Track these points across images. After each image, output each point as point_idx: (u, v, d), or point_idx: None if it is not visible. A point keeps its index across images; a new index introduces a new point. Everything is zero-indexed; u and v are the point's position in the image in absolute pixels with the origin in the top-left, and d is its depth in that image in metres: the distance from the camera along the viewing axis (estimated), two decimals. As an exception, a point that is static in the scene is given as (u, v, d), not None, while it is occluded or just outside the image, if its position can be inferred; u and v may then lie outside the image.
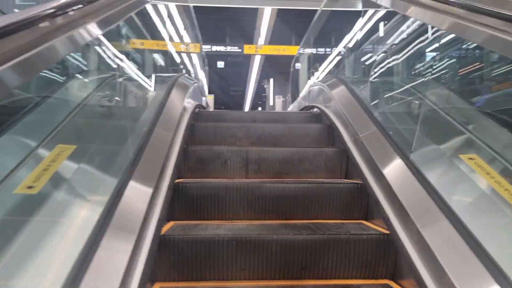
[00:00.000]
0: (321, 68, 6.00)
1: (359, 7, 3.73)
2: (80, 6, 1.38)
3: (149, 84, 3.36)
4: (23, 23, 0.96)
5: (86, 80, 2.17)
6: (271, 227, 1.81)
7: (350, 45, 4.31)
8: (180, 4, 4.98)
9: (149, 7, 3.56)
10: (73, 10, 1.29)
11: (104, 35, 1.69)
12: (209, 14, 12.29)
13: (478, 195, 1.60)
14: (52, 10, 1.11)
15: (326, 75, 4.30)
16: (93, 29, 1.44)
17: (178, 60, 5.43)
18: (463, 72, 2.36)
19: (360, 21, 3.28)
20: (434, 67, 2.32)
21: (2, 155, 1.35)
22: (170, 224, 1.87)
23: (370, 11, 2.98)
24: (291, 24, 12.52)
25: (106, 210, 1.33)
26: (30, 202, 1.23)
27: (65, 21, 1.26)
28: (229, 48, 11.62)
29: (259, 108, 25.14)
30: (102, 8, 1.59)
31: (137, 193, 1.55)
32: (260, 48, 11.80)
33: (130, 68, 2.79)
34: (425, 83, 2.39)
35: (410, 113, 2.25)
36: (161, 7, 4.13)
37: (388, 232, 1.65)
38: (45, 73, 1.75)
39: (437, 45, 2.21)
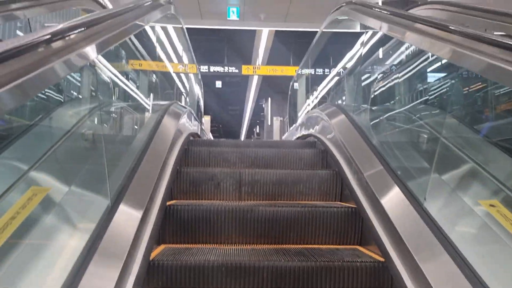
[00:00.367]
0: (320, 93, 6.01)
1: (357, 29, 3.78)
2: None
3: (135, 116, 3.27)
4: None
5: (70, 111, 2.16)
6: (263, 253, 1.79)
7: (350, 70, 4.34)
8: (177, 26, 5.01)
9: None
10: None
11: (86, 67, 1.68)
12: (207, 35, 12.52)
13: (481, 230, 1.53)
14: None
15: (325, 103, 4.28)
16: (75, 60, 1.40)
17: (170, 89, 5.33)
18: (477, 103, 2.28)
19: (361, 44, 3.29)
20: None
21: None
22: (161, 247, 1.85)
23: (374, 34, 2.96)
24: (289, 45, 12.75)
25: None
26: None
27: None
28: (227, 69, 11.77)
29: (257, 127, 25.27)
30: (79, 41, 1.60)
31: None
32: (258, 68, 11.97)
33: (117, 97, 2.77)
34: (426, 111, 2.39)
35: (418, 146, 2.11)
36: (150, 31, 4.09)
37: (383, 259, 1.62)
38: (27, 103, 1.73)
39: (454, 71, 2.04)
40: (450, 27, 1.58)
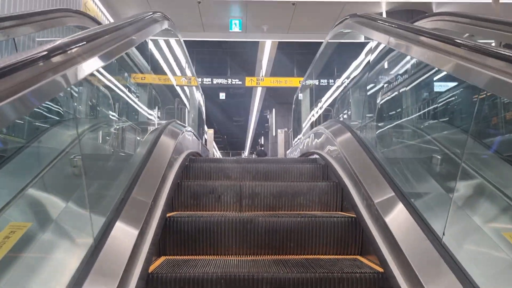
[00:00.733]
0: (324, 106, 5.82)
1: (361, 39, 3.64)
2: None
3: (129, 137, 3.12)
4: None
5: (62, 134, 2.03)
6: (263, 264, 1.79)
7: (356, 84, 4.18)
8: (175, 40, 4.88)
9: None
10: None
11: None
12: (210, 48, 12.50)
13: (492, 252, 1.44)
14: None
15: (330, 120, 4.10)
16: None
17: (166, 107, 5.16)
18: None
19: (367, 55, 3.13)
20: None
21: None
22: (161, 259, 1.86)
23: (381, 46, 2.79)
24: (292, 56, 12.67)
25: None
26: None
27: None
28: (230, 81, 11.69)
29: (262, 138, 25.11)
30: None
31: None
32: (261, 80, 11.87)
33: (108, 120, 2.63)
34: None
35: (436, 170, 1.95)
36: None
37: (382, 270, 1.61)
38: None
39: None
40: (462, 41, 1.43)
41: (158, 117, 4.04)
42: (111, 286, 1.20)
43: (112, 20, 8.23)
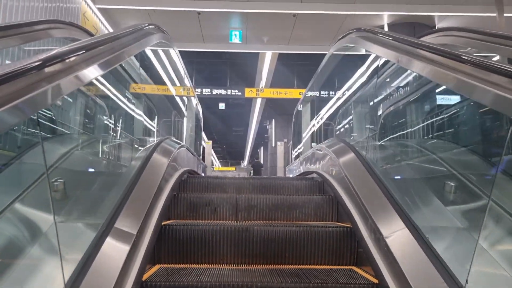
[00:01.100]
0: (324, 121, 5.64)
1: (367, 56, 3.49)
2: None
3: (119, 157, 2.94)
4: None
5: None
6: (257, 273, 1.79)
7: (360, 100, 4.02)
8: (170, 53, 4.73)
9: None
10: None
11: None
12: (210, 58, 12.41)
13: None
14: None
15: (331, 138, 3.93)
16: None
17: (158, 125, 4.97)
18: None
19: (372, 71, 2.97)
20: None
21: None
22: (155, 267, 1.86)
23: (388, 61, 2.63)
24: (293, 67, 12.57)
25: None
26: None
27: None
28: (230, 92, 11.56)
29: (261, 148, 24.90)
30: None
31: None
32: (261, 91, 11.74)
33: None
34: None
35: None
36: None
37: (376, 281, 1.61)
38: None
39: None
40: (488, 64, 1.26)
41: (146, 136, 3.85)
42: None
43: (110, 29, 8.13)
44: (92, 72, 1.51)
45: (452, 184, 1.81)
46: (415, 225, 1.64)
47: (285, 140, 16.47)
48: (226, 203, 2.54)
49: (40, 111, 1.39)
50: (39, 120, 1.32)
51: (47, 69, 1.19)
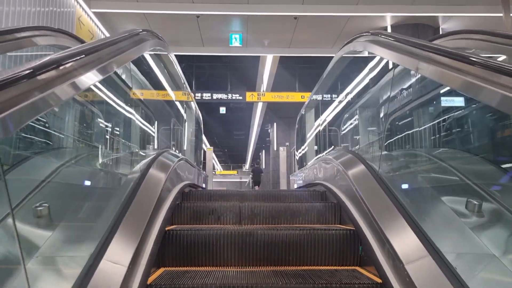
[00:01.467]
0: (331, 129, 5.41)
1: (365, 54, 3.28)
2: None
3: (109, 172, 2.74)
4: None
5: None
6: (262, 275, 1.80)
7: (369, 108, 3.81)
8: (167, 58, 4.51)
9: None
10: None
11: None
12: (210, 62, 12.23)
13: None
14: None
15: (338, 148, 3.72)
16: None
17: (153, 138, 4.76)
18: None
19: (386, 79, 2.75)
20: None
21: None
22: (160, 270, 1.89)
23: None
24: (294, 71, 12.38)
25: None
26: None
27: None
28: (230, 96, 11.36)
29: (263, 152, 24.69)
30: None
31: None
32: (262, 95, 11.55)
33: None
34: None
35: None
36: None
37: (380, 281, 1.63)
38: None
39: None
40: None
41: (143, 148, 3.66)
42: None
43: (107, 33, 7.95)
44: (64, 94, 1.31)
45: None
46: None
47: (287, 143, 16.26)
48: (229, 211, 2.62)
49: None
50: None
51: (17, 86, 1.01)
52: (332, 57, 4.04)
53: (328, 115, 5.35)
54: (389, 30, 8.42)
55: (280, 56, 10.37)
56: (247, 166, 32.31)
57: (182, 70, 5.04)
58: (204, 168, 10.83)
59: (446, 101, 2.64)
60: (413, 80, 2.84)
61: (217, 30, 8.73)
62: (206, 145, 20.18)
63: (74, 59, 1.35)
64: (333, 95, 5.54)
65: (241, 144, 25.71)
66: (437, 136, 2.71)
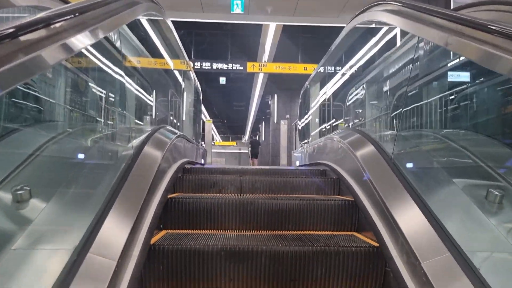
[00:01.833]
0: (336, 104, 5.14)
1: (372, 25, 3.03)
2: None
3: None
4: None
5: None
6: (262, 238, 1.88)
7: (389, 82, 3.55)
8: (162, 24, 4.16)
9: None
10: None
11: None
12: (210, 30, 11.72)
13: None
14: None
15: (347, 127, 3.50)
16: None
17: (148, 112, 4.51)
18: None
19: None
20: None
21: None
22: (162, 232, 1.98)
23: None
24: (297, 40, 11.90)
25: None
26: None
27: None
28: (231, 66, 10.97)
29: (263, 123, 24.46)
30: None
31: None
32: (264, 66, 11.15)
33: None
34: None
35: None
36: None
37: (377, 244, 1.70)
38: None
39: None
40: None
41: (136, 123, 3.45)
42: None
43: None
44: (52, 57, 1.12)
45: None
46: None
47: (288, 116, 15.99)
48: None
49: None
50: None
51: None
52: (337, 27, 3.74)
53: (336, 89, 5.05)
54: None
55: (283, 25, 9.90)
56: (246, 137, 32.16)
57: (180, 37, 4.72)
58: (203, 139, 10.67)
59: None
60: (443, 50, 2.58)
61: (217, -5, 8.25)
62: (206, 117, 19.92)
63: (63, 18, 1.20)
64: (343, 68, 5.20)
65: (240, 115, 25.40)
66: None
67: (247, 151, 20.35)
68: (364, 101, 4.20)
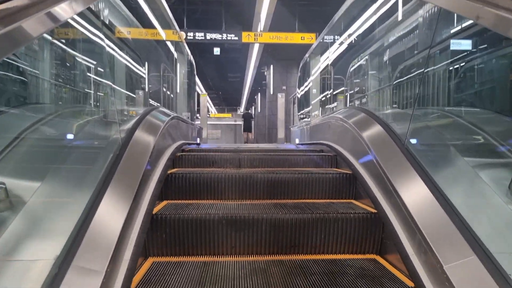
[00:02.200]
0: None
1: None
2: None
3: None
4: None
5: None
6: (262, 207, 1.92)
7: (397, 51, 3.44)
8: None
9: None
10: None
11: None
12: (203, -3, 11.32)
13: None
14: None
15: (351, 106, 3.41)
16: None
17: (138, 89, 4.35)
18: None
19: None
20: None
21: None
22: (164, 203, 2.02)
23: None
24: (294, 8, 11.55)
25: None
26: None
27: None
28: (225, 36, 10.69)
29: (259, 95, 24.21)
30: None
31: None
32: (260, 35, 10.88)
33: None
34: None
35: None
36: None
37: (375, 211, 1.74)
38: None
39: None
40: None
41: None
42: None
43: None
44: (34, 29, 1.06)
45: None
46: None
47: (284, 87, 15.79)
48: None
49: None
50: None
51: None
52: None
53: (340, 62, 4.89)
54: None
55: (279, -8, 9.56)
56: (242, 109, 31.96)
57: (172, 6, 4.56)
58: (198, 113, 10.56)
59: None
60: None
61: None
62: (201, 90, 19.64)
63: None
64: (348, 39, 4.98)
65: (236, 86, 25.10)
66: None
67: (242, 123, 20.26)
68: (367, 73, 4.12)
